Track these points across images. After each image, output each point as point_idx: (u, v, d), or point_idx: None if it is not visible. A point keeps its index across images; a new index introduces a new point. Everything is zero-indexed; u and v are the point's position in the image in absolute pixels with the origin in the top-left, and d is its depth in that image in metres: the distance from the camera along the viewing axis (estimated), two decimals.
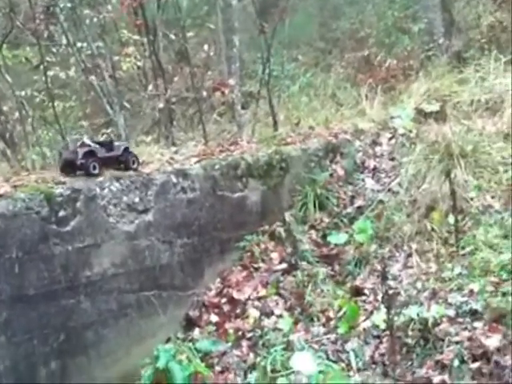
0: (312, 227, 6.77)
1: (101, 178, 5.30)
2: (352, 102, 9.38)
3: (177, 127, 8.53)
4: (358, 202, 6.96)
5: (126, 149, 5.68)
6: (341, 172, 7.29)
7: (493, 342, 4.50)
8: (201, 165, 6.07)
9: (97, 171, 5.36)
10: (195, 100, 8.25)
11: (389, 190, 6.87)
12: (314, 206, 6.83)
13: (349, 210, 6.89)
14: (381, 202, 6.77)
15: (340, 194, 7.01)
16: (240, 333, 5.65)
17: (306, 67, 12.09)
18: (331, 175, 7.25)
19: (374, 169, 7.37)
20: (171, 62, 9.36)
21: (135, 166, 5.71)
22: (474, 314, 4.92)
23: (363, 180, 7.25)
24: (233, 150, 6.89)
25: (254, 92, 9.68)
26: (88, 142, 5.50)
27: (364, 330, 5.27)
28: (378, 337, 5.19)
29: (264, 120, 8.70)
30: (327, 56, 13.08)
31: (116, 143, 5.71)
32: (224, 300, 5.93)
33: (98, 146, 5.52)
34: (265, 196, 6.70)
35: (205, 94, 8.36)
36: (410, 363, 4.80)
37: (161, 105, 7.63)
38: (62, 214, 4.94)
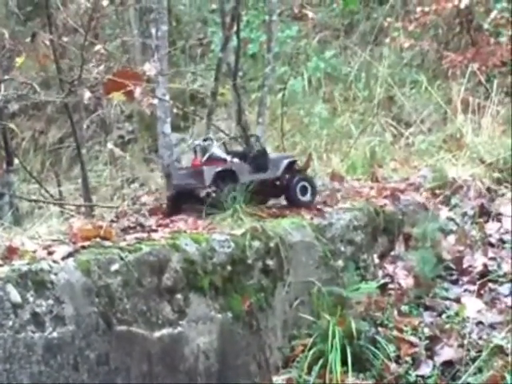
0: None
1: None
2: (433, 116, 6.51)
3: (20, 172, 5.78)
4: (446, 353, 4.41)
5: (290, 166, 4.60)
6: (406, 280, 4.97)
7: None
8: (77, 262, 3.84)
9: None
10: (64, 109, 5.49)
11: None
12: (343, 362, 4.26)
13: (424, 369, 4.37)
14: (498, 349, 4.26)
15: (403, 333, 4.50)
16: None
17: (324, 37, 7.98)
18: (383, 288, 4.84)
19: (484, 274, 4.98)
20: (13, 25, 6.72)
21: (307, 197, 4.61)
22: None
23: (458, 300, 4.89)
24: (152, 227, 4.37)
25: (202, 93, 7.02)
26: (220, 152, 4.51)
27: None
28: None
29: None
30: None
31: (273, 155, 4.67)
32: None
33: (238, 160, 4.54)
34: (227, 335, 4.42)
35: (87, 95, 5.33)
36: None
37: None
38: None
